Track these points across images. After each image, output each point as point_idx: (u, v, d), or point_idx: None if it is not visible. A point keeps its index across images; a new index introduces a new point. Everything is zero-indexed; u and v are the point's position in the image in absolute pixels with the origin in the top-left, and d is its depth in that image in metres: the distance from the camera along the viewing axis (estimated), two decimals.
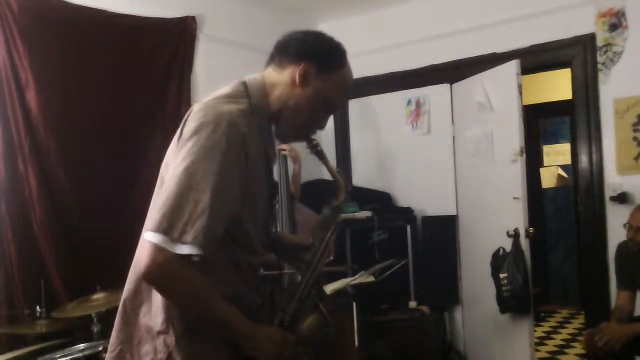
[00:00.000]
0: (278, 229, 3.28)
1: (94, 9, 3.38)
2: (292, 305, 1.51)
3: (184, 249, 1.27)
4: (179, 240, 1.27)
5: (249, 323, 1.41)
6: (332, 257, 2.25)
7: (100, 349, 2.66)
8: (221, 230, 1.33)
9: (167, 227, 1.27)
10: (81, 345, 2.70)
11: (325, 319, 1.55)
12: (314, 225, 1.62)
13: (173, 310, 1.39)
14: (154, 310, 1.41)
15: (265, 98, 1.50)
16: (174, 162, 1.35)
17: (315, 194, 3.91)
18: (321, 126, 1.58)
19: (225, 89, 1.50)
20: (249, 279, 1.50)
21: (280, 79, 1.51)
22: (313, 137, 1.59)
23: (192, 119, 1.37)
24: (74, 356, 2.61)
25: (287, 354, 1.45)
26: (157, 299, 1.41)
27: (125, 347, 1.45)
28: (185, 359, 1.39)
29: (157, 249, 1.27)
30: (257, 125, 1.45)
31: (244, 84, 1.51)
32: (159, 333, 1.40)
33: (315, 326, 1.54)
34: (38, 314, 2.79)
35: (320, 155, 1.60)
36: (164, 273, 1.29)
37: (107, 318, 2.75)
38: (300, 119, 1.52)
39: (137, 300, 1.44)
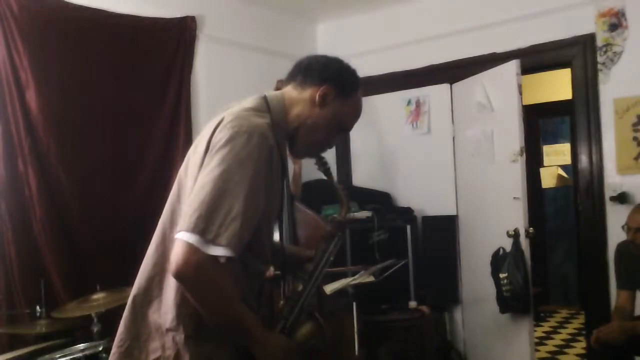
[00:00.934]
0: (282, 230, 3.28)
1: (94, 9, 3.38)
2: (294, 313, 1.56)
3: (218, 251, 1.32)
4: (213, 242, 1.32)
5: (263, 329, 1.47)
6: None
7: (101, 349, 2.67)
8: (249, 237, 1.38)
9: (202, 229, 1.32)
10: (81, 345, 2.70)
11: (321, 329, 1.61)
12: (317, 238, 1.69)
13: (184, 308, 1.42)
14: (164, 308, 1.45)
15: (285, 115, 1.57)
16: (208, 166, 1.39)
17: (316, 194, 3.91)
18: (332, 145, 1.69)
19: (249, 101, 1.56)
20: (253, 285, 1.54)
21: (300, 98, 1.59)
22: (322, 155, 1.67)
23: (227, 127, 1.42)
24: (74, 356, 2.61)
25: None
26: (168, 297, 1.45)
27: (133, 343, 1.48)
28: (192, 357, 1.42)
29: (192, 249, 1.31)
30: (276, 141, 1.50)
31: (265, 98, 1.57)
32: (169, 330, 1.43)
33: (310, 335, 1.59)
34: (38, 314, 2.79)
35: (327, 173, 1.68)
36: (197, 273, 1.32)
37: (107, 318, 2.75)
38: (316, 137, 1.61)
39: (148, 297, 1.48)
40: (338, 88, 1.58)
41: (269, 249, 1.56)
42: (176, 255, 1.33)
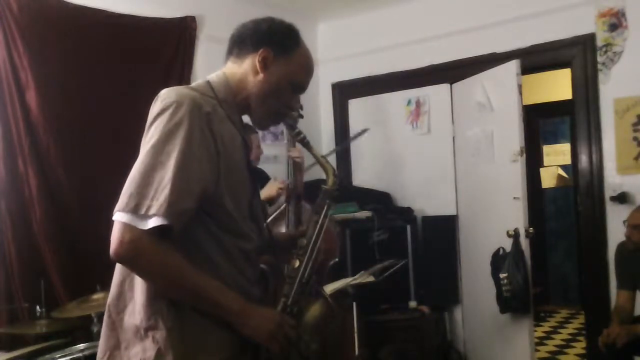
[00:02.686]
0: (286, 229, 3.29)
1: (94, 9, 3.39)
2: (293, 290, 1.52)
3: (151, 222, 1.29)
4: (146, 215, 1.29)
5: (237, 299, 1.41)
6: (336, 259, 2.26)
7: None
8: (190, 204, 1.33)
9: (134, 206, 1.30)
10: (81, 345, 2.70)
11: (331, 308, 1.57)
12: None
13: (157, 301, 1.37)
14: (137, 307, 1.40)
15: (232, 91, 1.53)
16: (143, 144, 1.38)
17: (316, 195, 3.90)
18: (293, 108, 1.60)
19: (192, 85, 1.54)
20: (245, 269, 1.50)
21: (241, 70, 1.54)
22: (296, 126, 1.62)
23: (157, 102, 1.41)
24: (74, 356, 2.61)
25: (284, 336, 1.44)
26: (139, 297, 1.40)
27: (114, 352, 1.44)
28: (175, 352, 1.36)
29: (125, 227, 1.30)
30: (227, 116, 1.48)
31: (208, 82, 1.53)
32: (147, 330, 1.38)
33: (320, 315, 1.55)
34: (38, 314, 2.79)
35: (304, 142, 1.63)
36: (134, 250, 1.30)
37: None
38: (269, 104, 1.54)
39: (122, 302, 1.44)
40: (275, 48, 1.52)
41: (248, 228, 1.50)
42: (112, 237, 1.31)
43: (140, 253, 1.31)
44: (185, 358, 1.38)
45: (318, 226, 1.59)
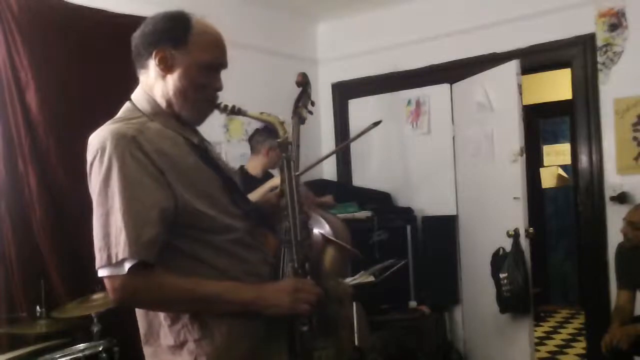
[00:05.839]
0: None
1: (94, 9, 3.38)
2: (293, 251, 1.53)
3: (126, 265, 1.33)
4: (119, 262, 1.33)
5: (250, 287, 1.45)
6: (360, 256, 2.23)
7: (101, 349, 2.67)
8: (153, 231, 1.35)
9: (106, 258, 1.34)
10: (81, 345, 2.70)
11: (338, 245, 1.60)
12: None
13: (181, 320, 1.43)
14: (166, 330, 1.46)
15: (155, 102, 1.52)
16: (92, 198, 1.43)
17: (317, 195, 3.90)
18: (217, 88, 1.55)
19: (119, 112, 1.56)
20: (245, 256, 1.50)
21: (150, 79, 1.52)
22: (219, 102, 1.57)
23: (88, 153, 1.44)
24: (74, 356, 2.61)
25: (306, 297, 1.46)
26: (163, 321, 1.45)
27: None
28: (209, 355, 1.42)
29: (111, 280, 1.36)
30: (164, 127, 1.48)
31: (132, 102, 1.55)
32: (180, 346, 1.44)
33: (333, 257, 1.57)
34: (38, 314, 2.78)
35: (234, 111, 1.58)
36: (128, 293, 1.36)
37: (107, 318, 2.75)
38: (191, 98, 1.50)
39: (154, 331, 1.49)
40: (168, 43, 1.48)
41: (231, 216, 1.49)
42: (108, 291, 1.38)
43: (135, 293, 1.37)
44: (219, 358, 1.43)
45: (287, 181, 1.58)
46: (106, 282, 1.37)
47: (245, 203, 1.59)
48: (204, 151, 1.55)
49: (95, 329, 2.76)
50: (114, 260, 1.33)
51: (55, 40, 3.21)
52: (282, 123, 1.62)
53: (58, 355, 2.61)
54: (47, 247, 3.09)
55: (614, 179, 3.79)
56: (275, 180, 3.46)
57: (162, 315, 1.45)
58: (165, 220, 1.37)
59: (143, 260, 1.33)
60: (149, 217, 1.35)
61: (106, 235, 1.34)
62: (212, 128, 3.92)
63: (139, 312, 1.52)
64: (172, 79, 1.49)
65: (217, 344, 1.43)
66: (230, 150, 4.13)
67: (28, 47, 3.08)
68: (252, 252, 1.53)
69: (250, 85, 4.32)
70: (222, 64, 1.55)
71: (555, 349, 4.90)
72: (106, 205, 1.36)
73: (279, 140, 1.60)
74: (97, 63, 3.38)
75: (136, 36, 1.55)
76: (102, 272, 1.37)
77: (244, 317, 1.44)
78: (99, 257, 1.35)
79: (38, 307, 2.79)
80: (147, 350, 1.52)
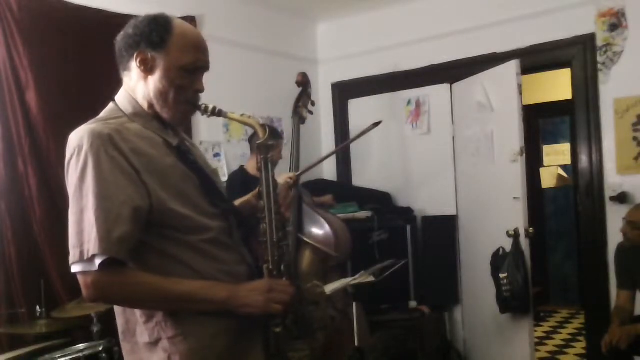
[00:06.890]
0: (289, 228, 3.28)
1: (94, 9, 3.38)
2: (269, 252, 1.53)
3: (97, 261, 1.34)
4: (90, 258, 1.35)
5: (223, 287, 1.45)
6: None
7: (100, 349, 2.67)
8: (125, 229, 1.36)
9: (79, 255, 1.36)
10: (81, 345, 2.71)
11: (316, 249, 1.54)
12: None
13: (156, 317, 1.45)
14: (142, 328, 1.47)
15: (137, 104, 1.54)
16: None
17: (317, 195, 3.91)
18: (198, 90, 1.56)
19: (101, 113, 1.57)
20: (220, 256, 1.51)
21: (133, 81, 1.55)
22: (201, 104, 1.57)
23: (67, 151, 1.44)
24: (74, 356, 2.61)
25: (280, 297, 1.47)
26: (139, 319, 1.47)
27: None
28: (182, 354, 1.44)
29: (84, 276, 1.38)
30: (143, 128, 1.49)
31: (115, 102, 1.57)
32: (155, 343, 1.45)
33: (310, 259, 1.57)
34: (38, 314, 2.79)
35: (215, 112, 1.58)
36: (99, 289, 1.38)
37: (107, 318, 2.74)
38: (171, 100, 1.51)
39: (131, 328, 1.50)
40: (148, 45, 1.50)
41: (208, 216, 1.50)
42: (81, 287, 1.40)
43: (106, 289, 1.39)
44: (192, 358, 1.44)
45: (264, 182, 1.57)
46: (79, 278, 1.39)
47: (224, 203, 1.59)
48: (183, 152, 1.55)
49: (95, 329, 2.77)
50: (85, 257, 1.34)
51: (55, 40, 3.21)
52: (262, 125, 1.62)
53: (58, 355, 2.61)
54: (47, 247, 3.09)
55: (614, 179, 3.79)
56: (280, 180, 3.47)
57: (138, 312, 1.47)
58: (138, 219, 1.38)
59: (114, 258, 1.34)
60: (120, 215, 1.36)
61: (80, 232, 1.36)
62: (212, 128, 3.93)
63: (117, 309, 1.54)
64: (153, 81, 1.50)
65: (191, 343, 1.44)
66: (230, 150, 4.13)
67: (28, 47, 3.08)
68: (228, 252, 1.54)
69: (251, 85, 4.32)
70: (202, 66, 1.57)
71: (555, 349, 4.90)
72: (81, 202, 1.37)
73: (258, 142, 1.59)
74: (97, 63, 3.38)
75: (119, 38, 1.58)
76: (74, 268, 1.38)
77: (219, 317, 1.45)
78: (72, 254, 1.37)
79: (38, 307, 2.80)
80: (124, 347, 1.54)
